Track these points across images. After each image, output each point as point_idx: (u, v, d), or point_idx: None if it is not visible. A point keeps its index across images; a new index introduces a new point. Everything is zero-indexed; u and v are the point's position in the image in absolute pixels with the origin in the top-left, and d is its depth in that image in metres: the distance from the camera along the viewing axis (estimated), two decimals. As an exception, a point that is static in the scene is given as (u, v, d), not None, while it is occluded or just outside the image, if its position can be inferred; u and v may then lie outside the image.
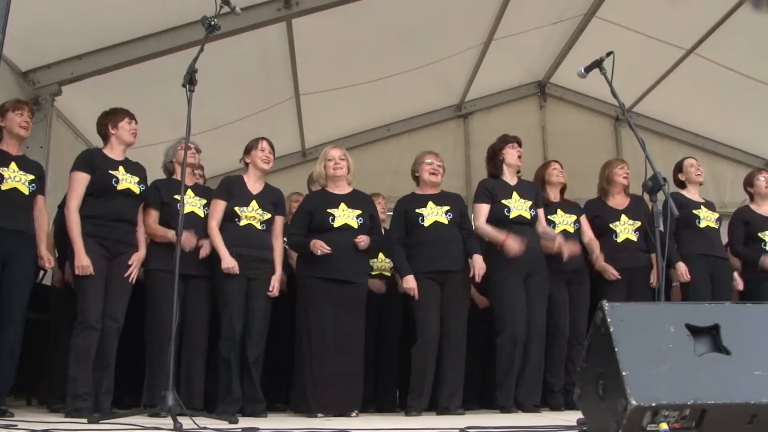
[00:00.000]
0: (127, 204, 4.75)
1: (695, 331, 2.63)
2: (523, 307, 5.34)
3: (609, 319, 2.59)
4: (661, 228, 4.16)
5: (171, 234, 4.85)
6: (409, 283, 5.24)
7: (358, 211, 5.27)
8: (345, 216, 5.22)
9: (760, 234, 6.14)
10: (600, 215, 6.00)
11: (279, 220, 5.29)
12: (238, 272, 4.93)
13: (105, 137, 4.89)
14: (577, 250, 5.62)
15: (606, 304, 2.65)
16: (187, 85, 4.04)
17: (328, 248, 5.03)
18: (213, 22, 4.09)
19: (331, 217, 5.19)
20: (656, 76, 9.08)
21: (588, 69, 4.24)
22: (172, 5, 6.20)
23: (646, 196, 3.95)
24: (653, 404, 2.44)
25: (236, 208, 5.10)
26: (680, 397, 2.48)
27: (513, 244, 5.24)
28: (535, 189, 5.72)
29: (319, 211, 5.24)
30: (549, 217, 5.79)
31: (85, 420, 3.84)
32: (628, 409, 2.43)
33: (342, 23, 7.17)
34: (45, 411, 5.21)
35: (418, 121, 9.73)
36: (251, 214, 5.11)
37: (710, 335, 2.63)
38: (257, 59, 7.45)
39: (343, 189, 5.38)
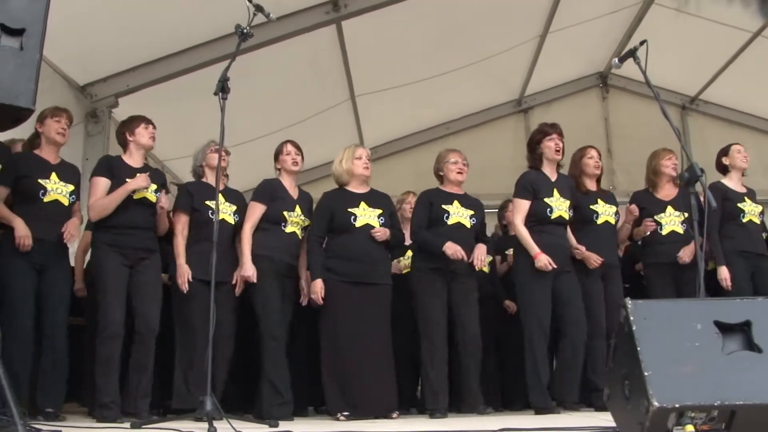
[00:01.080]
0: (143, 212, 4.76)
1: (725, 328, 2.51)
2: (548, 305, 5.20)
3: (632, 318, 2.49)
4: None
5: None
6: (449, 249, 5.14)
7: (379, 211, 5.18)
8: (366, 216, 5.14)
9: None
10: (646, 207, 5.80)
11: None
12: (255, 281, 4.92)
13: (124, 145, 4.92)
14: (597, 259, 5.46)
15: (629, 302, 2.55)
16: (220, 94, 4.04)
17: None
18: (246, 30, 4.10)
19: (352, 217, 5.11)
20: (722, 61, 8.81)
21: (622, 59, 4.11)
22: (221, 16, 6.27)
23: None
24: (677, 405, 2.35)
25: (284, 213, 5.10)
26: (707, 397, 2.37)
27: (545, 261, 5.11)
28: (571, 185, 5.53)
29: (341, 211, 5.15)
30: (591, 207, 5.58)
31: (127, 425, 3.89)
32: (650, 410, 2.34)
33: (392, 23, 7.16)
34: (87, 415, 5.28)
35: (478, 117, 9.63)
36: (296, 219, 5.11)
37: (741, 332, 2.51)
38: (309, 63, 7.49)
39: (364, 188, 5.30)
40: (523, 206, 5.31)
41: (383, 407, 4.89)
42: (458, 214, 5.32)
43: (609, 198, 5.74)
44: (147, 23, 6.13)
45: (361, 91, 8.16)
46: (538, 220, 5.27)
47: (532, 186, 5.33)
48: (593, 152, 5.73)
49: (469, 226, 5.32)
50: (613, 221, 5.63)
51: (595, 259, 5.37)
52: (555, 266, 5.09)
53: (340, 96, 8.20)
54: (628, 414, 2.53)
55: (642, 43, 3.94)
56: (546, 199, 5.28)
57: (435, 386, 5.06)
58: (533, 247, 5.15)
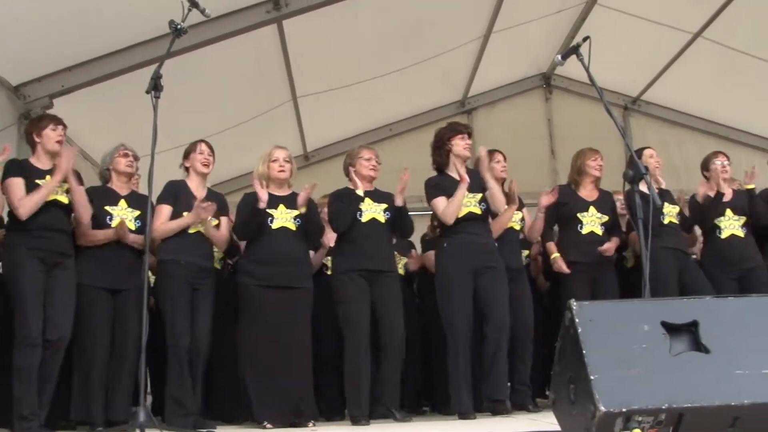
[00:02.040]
0: (57, 214, 4.60)
1: (672, 329, 2.46)
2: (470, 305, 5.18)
3: (577, 320, 2.43)
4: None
5: (111, 233, 4.80)
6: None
7: (296, 212, 5.07)
8: (283, 218, 5.04)
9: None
10: (569, 203, 5.80)
11: (224, 222, 5.19)
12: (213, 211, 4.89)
13: (32, 146, 4.74)
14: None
15: (574, 303, 2.49)
16: (152, 92, 3.89)
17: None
18: (179, 26, 3.97)
19: (269, 218, 5.01)
20: (664, 62, 8.86)
21: (565, 56, 4.11)
22: (160, 15, 6.08)
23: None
24: (624, 410, 2.29)
25: (185, 214, 4.96)
26: (654, 400, 2.32)
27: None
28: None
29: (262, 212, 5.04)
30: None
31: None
32: (596, 415, 2.27)
33: (334, 22, 7.04)
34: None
35: (422, 119, 9.51)
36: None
37: (688, 333, 2.46)
38: (251, 63, 7.34)
39: (283, 190, 5.20)
40: (441, 203, 5.26)
41: (302, 415, 4.81)
42: (371, 210, 5.24)
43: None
44: (83, 21, 5.90)
45: (303, 92, 8.02)
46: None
47: (441, 187, 5.29)
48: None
49: (383, 220, 5.24)
50: (517, 227, 5.81)
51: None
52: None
53: (282, 97, 8.05)
54: (574, 419, 2.47)
55: (585, 39, 3.92)
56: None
57: (362, 392, 4.97)
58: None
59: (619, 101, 9.73)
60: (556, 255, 5.67)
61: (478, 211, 5.29)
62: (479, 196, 5.30)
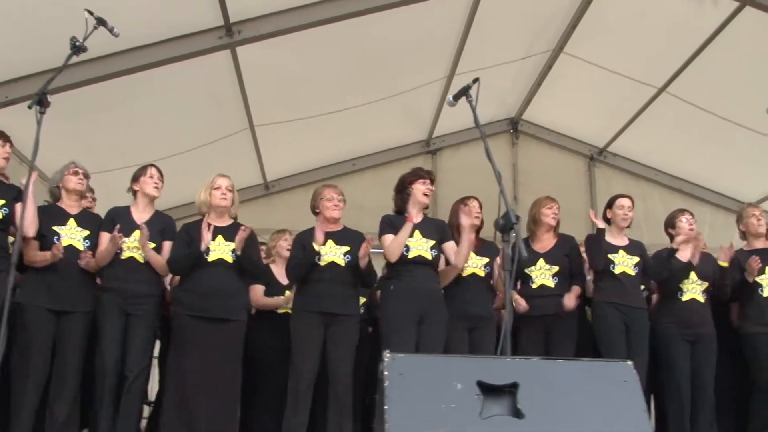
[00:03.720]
0: None
1: (489, 389, 2.34)
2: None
3: (386, 372, 2.31)
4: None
5: (49, 254, 4.72)
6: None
7: (233, 245, 5.03)
8: (220, 250, 5.02)
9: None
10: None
11: (166, 246, 5.12)
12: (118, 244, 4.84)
13: None
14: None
15: (387, 354, 2.37)
16: (36, 107, 3.83)
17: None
18: (78, 44, 3.91)
19: (206, 252, 5.00)
20: (630, 114, 8.79)
21: (456, 97, 4.08)
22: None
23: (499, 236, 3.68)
24: (418, 469, 2.16)
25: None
26: (453, 463, 2.19)
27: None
28: (441, 227, 5.53)
29: (195, 243, 5.05)
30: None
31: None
32: (389, 474, 2.15)
33: (291, 52, 6.94)
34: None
35: (385, 156, 9.44)
36: (133, 245, 4.91)
37: (507, 395, 2.34)
38: (205, 87, 7.25)
39: (223, 221, 5.19)
40: (388, 239, 5.23)
41: None
42: (331, 254, 5.18)
43: (484, 249, 5.66)
44: (29, 35, 5.88)
45: (260, 121, 7.93)
46: (398, 260, 5.16)
47: (393, 225, 5.24)
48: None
49: (342, 264, 5.18)
50: (482, 273, 5.62)
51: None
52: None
53: (238, 124, 7.95)
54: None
55: (475, 81, 3.87)
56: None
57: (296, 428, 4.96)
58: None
59: (585, 151, 9.67)
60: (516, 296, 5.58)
61: (428, 256, 5.23)
62: (432, 242, 5.25)
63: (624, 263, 5.69)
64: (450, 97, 4.14)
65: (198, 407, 4.76)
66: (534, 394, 2.32)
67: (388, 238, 5.23)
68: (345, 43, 7.19)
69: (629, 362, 2.43)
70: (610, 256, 5.67)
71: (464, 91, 3.92)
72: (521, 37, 7.96)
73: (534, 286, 5.64)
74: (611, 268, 5.66)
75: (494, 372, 2.36)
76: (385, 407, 2.23)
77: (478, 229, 5.70)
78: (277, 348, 5.49)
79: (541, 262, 5.66)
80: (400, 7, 6.50)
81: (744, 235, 6.18)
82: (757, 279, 5.75)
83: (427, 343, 5.04)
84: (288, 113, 8.03)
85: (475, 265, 5.56)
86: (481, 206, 5.75)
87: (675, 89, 8.05)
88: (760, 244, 6.01)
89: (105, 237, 4.94)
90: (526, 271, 5.63)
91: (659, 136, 8.96)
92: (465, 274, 5.47)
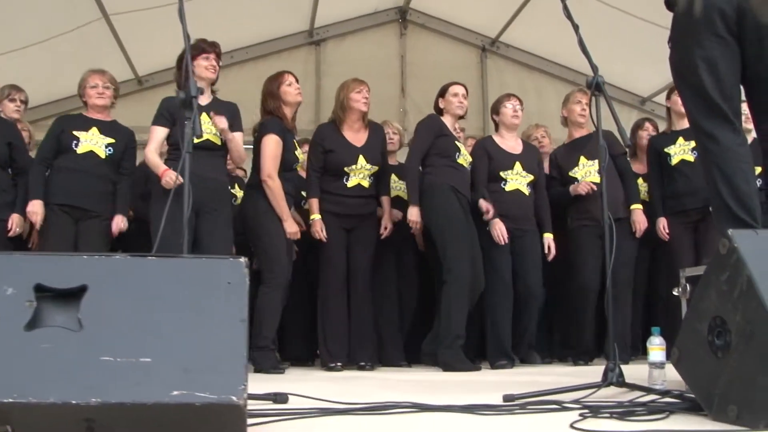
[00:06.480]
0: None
1: (53, 294, 2.01)
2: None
3: None
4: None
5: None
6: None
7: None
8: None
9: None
10: (334, 150, 5.38)
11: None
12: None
13: None
14: None
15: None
16: None
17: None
18: None
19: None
20: (519, 3, 8.28)
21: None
22: None
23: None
24: None
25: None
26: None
27: None
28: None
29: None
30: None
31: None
32: None
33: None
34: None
35: (265, 47, 8.85)
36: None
37: (73, 301, 2.01)
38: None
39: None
40: None
41: None
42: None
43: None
44: None
45: (113, 9, 7.39)
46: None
47: None
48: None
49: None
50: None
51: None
52: None
53: (90, 14, 7.40)
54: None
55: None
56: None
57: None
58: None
59: (477, 42, 9.19)
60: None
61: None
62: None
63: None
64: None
65: None
66: (107, 300, 1.97)
67: None
68: None
69: (242, 259, 2.10)
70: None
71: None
72: None
73: (349, 185, 5.42)
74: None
75: (63, 273, 2.01)
76: None
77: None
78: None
79: (361, 159, 5.37)
80: None
81: (565, 121, 5.92)
82: (571, 173, 5.55)
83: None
84: (147, 1, 7.49)
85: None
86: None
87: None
88: (578, 133, 5.77)
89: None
90: (345, 169, 5.43)
91: (552, 26, 8.38)
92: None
